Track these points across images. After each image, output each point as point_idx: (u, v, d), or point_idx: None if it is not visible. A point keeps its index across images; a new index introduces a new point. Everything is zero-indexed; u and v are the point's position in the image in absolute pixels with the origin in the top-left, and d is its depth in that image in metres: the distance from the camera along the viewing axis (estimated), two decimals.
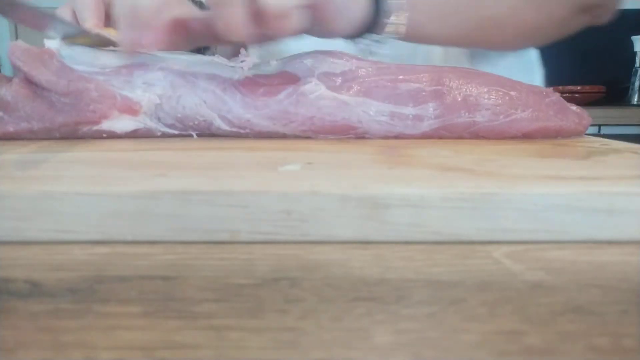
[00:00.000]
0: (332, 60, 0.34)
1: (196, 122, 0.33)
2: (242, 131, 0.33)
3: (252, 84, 0.33)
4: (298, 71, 0.34)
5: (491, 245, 0.18)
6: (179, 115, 0.33)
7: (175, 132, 0.34)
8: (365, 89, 0.33)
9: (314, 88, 0.33)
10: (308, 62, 0.34)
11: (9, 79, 0.33)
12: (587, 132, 0.37)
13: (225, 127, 0.33)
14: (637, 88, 1.98)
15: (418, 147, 0.29)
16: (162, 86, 0.33)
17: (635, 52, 1.99)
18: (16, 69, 0.32)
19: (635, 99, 1.99)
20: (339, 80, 0.33)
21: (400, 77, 0.33)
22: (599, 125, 1.72)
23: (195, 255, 0.17)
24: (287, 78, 0.34)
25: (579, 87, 1.83)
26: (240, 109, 0.33)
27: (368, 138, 0.34)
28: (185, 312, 0.13)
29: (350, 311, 0.13)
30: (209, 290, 0.15)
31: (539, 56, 0.60)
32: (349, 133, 0.33)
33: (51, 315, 0.13)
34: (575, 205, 0.18)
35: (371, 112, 0.33)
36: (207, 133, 0.34)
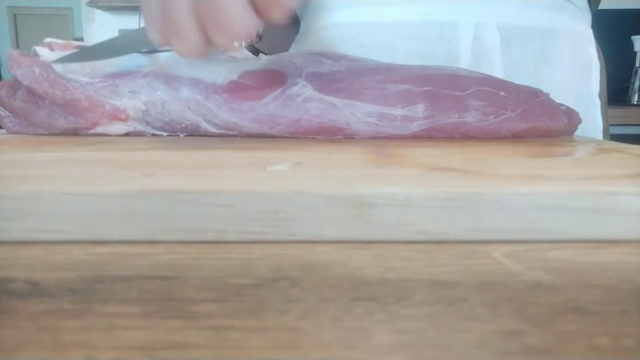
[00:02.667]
0: (321, 60, 0.34)
1: (183, 125, 0.34)
2: (230, 132, 0.33)
3: (237, 88, 0.33)
4: (286, 70, 0.34)
5: (491, 245, 0.18)
6: (166, 119, 0.34)
7: (165, 133, 0.34)
8: (353, 91, 0.33)
9: (302, 90, 0.32)
10: (297, 61, 0.34)
11: (15, 90, 0.35)
12: None
13: (212, 129, 0.33)
14: (637, 88, 1.98)
15: (408, 147, 0.29)
16: (146, 93, 0.33)
17: (635, 52, 1.99)
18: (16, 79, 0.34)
19: (635, 99, 1.99)
20: (327, 80, 0.33)
21: (390, 77, 0.33)
22: None
23: (195, 255, 0.17)
24: (274, 78, 0.33)
25: None
26: (226, 114, 0.33)
27: (358, 138, 0.34)
28: (185, 312, 0.13)
29: (350, 311, 0.13)
30: (209, 290, 0.15)
31: (598, 54, 0.54)
32: (337, 134, 0.33)
33: (51, 315, 0.13)
34: (560, 205, 0.18)
35: (358, 114, 0.32)
36: (197, 134, 0.34)
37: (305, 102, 0.32)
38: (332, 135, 0.33)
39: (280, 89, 0.33)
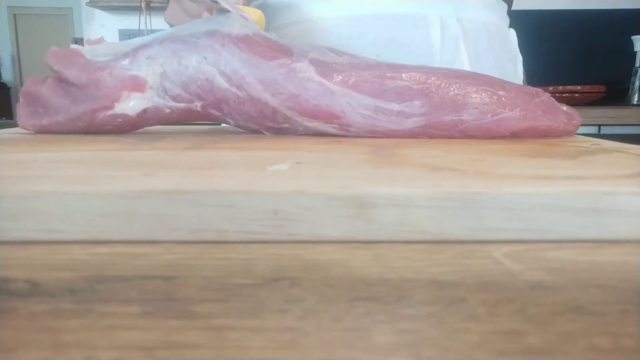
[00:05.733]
0: (325, 51, 0.36)
1: (199, 83, 0.35)
2: (239, 93, 0.34)
3: (250, 40, 0.35)
4: (293, 49, 0.35)
5: (491, 245, 0.18)
6: (183, 78, 0.35)
7: (182, 104, 0.35)
8: (352, 82, 0.34)
9: (304, 68, 0.34)
10: (304, 47, 0.36)
11: (46, 79, 0.37)
12: (588, 132, 0.37)
13: (225, 84, 0.34)
14: (637, 88, 1.99)
15: (408, 147, 0.29)
16: (164, 56, 0.35)
17: (635, 52, 1.99)
18: (51, 70, 0.37)
19: (635, 99, 1.99)
20: (328, 68, 0.34)
21: (388, 74, 0.34)
22: (599, 125, 1.72)
23: (195, 255, 0.17)
24: (282, 48, 0.35)
25: (579, 87, 1.83)
26: (237, 63, 0.34)
27: (357, 137, 0.34)
28: (185, 312, 0.13)
29: (350, 311, 0.13)
30: (209, 290, 0.15)
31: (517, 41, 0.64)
32: (332, 122, 0.34)
33: (51, 315, 0.13)
34: (560, 205, 0.18)
35: (354, 104, 0.33)
36: (211, 98, 0.35)
37: (306, 81, 0.33)
38: (329, 121, 0.34)
39: (287, 59, 0.34)
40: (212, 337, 0.12)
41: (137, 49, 0.35)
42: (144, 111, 0.35)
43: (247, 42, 0.34)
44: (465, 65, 0.55)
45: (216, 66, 0.34)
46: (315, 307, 0.14)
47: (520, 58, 0.64)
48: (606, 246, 0.18)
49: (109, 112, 0.35)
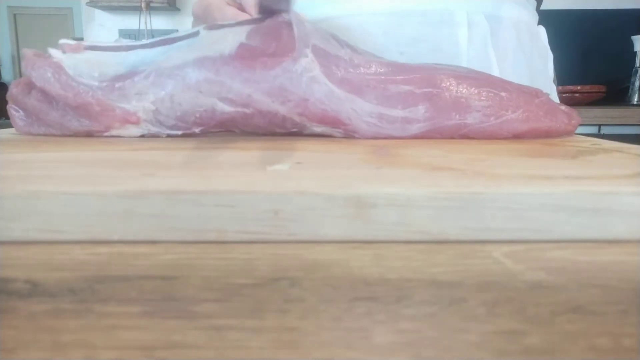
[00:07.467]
0: (328, 37, 0.34)
1: (197, 115, 0.33)
2: (246, 110, 0.32)
3: (247, 53, 0.32)
4: (295, 35, 0.32)
5: (491, 245, 0.18)
6: (178, 113, 0.33)
7: (180, 132, 0.34)
8: (355, 85, 0.33)
9: (310, 66, 0.32)
10: (307, 25, 0.34)
11: (30, 89, 0.35)
12: (588, 132, 0.37)
13: (228, 108, 0.32)
14: (637, 88, 1.99)
15: (408, 147, 0.29)
16: (153, 92, 0.32)
17: (635, 52, 1.99)
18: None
19: (635, 99, 1.99)
20: (331, 63, 0.33)
21: (391, 77, 0.33)
22: (599, 125, 1.72)
23: (195, 255, 0.17)
24: (282, 41, 0.32)
25: (579, 87, 1.83)
26: (240, 84, 0.32)
27: (358, 138, 0.34)
28: (185, 312, 0.13)
29: (350, 311, 0.13)
30: (209, 290, 0.15)
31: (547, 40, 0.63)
32: (338, 127, 0.33)
33: (51, 315, 0.13)
34: (560, 205, 0.18)
35: (359, 110, 0.33)
36: (213, 123, 0.33)
37: (312, 83, 0.32)
38: (335, 127, 0.33)
39: (289, 60, 0.32)
40: (212, 337, 0.12)
41: (124, 79, 0.33)
42: (141, 136, 0.34)
43: (243, 57, 0.32)
44: (493, 64, 0.54)
45: (216, 95, 0.32)
46: (315, 307, 0.14)
47: (550, 55, 0.62)
48: (606, 246, 0.18)
49: (106, 134, 0.34)
